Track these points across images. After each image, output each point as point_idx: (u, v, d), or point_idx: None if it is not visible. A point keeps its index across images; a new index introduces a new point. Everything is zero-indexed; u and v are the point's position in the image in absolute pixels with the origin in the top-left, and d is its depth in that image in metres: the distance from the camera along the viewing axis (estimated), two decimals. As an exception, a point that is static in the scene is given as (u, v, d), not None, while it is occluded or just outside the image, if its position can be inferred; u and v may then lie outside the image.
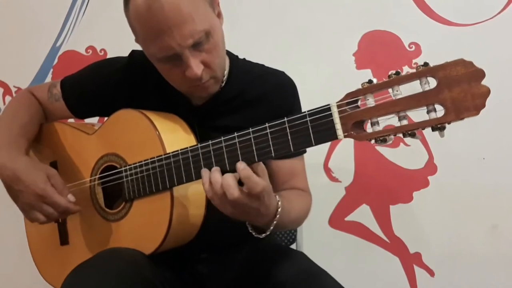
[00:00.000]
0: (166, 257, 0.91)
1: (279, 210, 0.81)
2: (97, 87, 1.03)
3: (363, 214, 1.51)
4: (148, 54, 0.88)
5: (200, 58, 0.84)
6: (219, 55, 0.88)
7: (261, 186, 0.72)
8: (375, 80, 0.66)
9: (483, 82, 0.57)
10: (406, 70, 1.57)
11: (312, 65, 1.54)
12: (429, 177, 1.48)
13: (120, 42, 1.71)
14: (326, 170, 1.54)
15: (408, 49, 1.51)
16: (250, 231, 0.84)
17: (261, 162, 0.75)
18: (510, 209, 1.42)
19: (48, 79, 1.72)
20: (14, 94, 1.74)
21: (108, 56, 1.68)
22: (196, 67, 0.83)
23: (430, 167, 1.48)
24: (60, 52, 1.72)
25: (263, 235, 0.83)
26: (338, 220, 1.53)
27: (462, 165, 1.45)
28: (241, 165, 0.73)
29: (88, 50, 1.70)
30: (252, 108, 0.97)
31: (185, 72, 0.84)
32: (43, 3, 1.74)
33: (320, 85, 1.47)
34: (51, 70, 1.72)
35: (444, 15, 1.49)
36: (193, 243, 0.93)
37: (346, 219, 1.53)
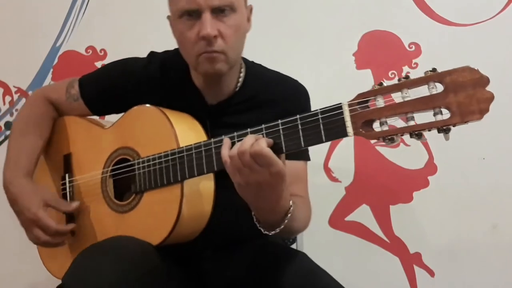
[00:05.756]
0: (172, 251, 0.93)
1: (291, 208, 0.83)
2: (116, 85, 1.05)
3: (363, 214, 1.51)
4: (174, 11, 0.93)
5: (218, 26, 0.88)
6: (237, 36, 0.92)
7: (280, 163, 0.74)
8: (385, 83, 0.69)
9: (488, 88, 0.61)
10: (406, 70, 1.59)
11: (312, 65, 1.54)
12: (429, 177, 1.48)
13: (120, 42, 1.72)
14: (326, 170, 1.54)
15: (408, 49, 1.51)
16: (259, 227, 0.85)
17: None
18: (510, 209, 1.42)
19: (48, 79, 1.71)
20: (14, 94, 1.74)
21: (108, 56, 1.69)
22: (211, 27, 0.87)
23: (430, 167, 1.48)
24: (60, 52, 1.72)
25: (272, 232, 0.84)
26: (338, 220, 1.53)
27: (462, 165, 1.45)
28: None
29: (88, 50, 1.70)
30: (265, 110, 1.00)
31: (199, 33, 0.87)
32: (43, 3, 1.74)
33: (320, 85, 1.47)
34: (51, 70, 1.72)
35: (444, 15, 1.49)
36: (198, 239, 0.95)
37: (346, 219, 1.53)
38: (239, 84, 1.02)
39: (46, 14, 1.73)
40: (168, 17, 0.98)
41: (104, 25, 1.69)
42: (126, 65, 1.08)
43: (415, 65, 1.50)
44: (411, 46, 1.51)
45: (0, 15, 1.77)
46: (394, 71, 1.51)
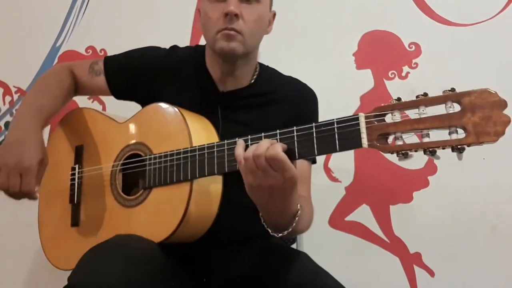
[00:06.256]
0: (177, 250, 0.93)
1: (299, 212, 0.84)
2: (139, 68, 1.10)
3: (363, 214, 1.51)
4: None
5: (241, 9, 0.95)
6: (257, 25, 0.99)
7: (293, 169, 0.75)
8: (403, 99, 0.70)
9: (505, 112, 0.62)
10: (406, 70, 1.59)
11: (312, 65, 1.54)
12: (429, 177, 1.48)
13: (120, 42, 1.71)
14: (326, 170, 1.54)
15: (408, 49, 1.51)
16: (267, 228, 0.85)
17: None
18: (510, 209, 1.42)
19: (48, 79, 1.71)
20: (14, 94, 1.74)
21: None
22: (234, 6, 0.94)
23: (430, 167, 1.48)
24: (60, 52, 1.72)
25: (280, 234, 0.85)
26: (338, 220, 1.53)
27: (462, 165, 1.44)
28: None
29: (88, 50, 1.70)
30: (273, 107, 1.04)
31: (223, 10, 0.94)
32: (43, 3, 1.74)
33: (320, 85, 1.47)
34: (51, 70, 1.72)
35: (444, 15, 1.49)
36: (204, 238, 0.96)
37: (346, 219, 1.53)
38: (252, 81, 1.07)
39: (46, 14, 1.73)
40: (197, 10, 1.05)
41: (104, 25, 1.70)
42: (150, 51, 1.13)
43: (415, 65, 1.50)
44: (411, 46, 1.51)
45: (0, 15, 1.77)
46: (394, 71, 1.51)
